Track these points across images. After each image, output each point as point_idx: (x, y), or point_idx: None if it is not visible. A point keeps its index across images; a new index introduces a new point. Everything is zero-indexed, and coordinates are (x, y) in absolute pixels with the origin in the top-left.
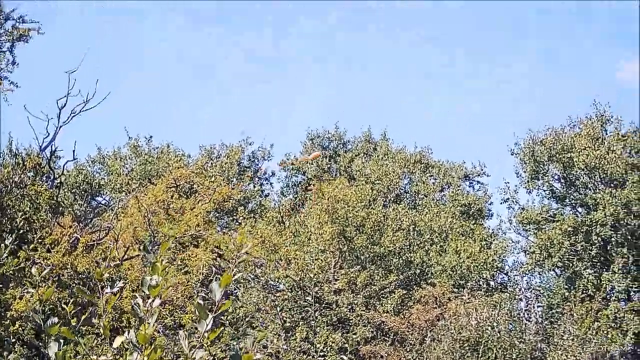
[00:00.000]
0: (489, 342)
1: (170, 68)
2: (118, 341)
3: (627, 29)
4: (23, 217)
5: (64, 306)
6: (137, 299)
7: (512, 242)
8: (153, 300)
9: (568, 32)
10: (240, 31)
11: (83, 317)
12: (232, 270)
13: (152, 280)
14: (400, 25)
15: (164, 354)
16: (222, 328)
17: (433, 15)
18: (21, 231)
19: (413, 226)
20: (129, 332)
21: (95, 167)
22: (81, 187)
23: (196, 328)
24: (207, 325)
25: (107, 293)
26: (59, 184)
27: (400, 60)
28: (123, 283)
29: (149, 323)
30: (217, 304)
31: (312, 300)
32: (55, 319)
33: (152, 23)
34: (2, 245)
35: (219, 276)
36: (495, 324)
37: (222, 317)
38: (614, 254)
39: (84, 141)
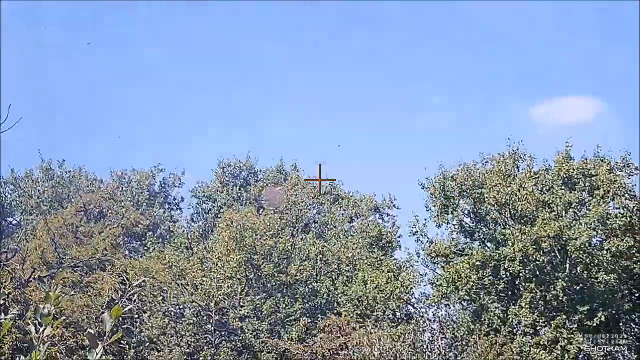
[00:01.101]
0: None
1: (83, 93)
2: None
3: (542, 69)
4: None
5: None
6: (30, 326)
7: (420, 274)
8: (45, 328)
9: (483, 69)
10: (150, 58)
11: None
12: (123, 300)
13: (44, 308)
14: (312, 54)
15: None
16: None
17: (343, 45)
18: None
19: (320, 256)
20: (19, 358)
21: (7, 187)
22: None
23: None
24: (97, 354)
25: (1, 319)
26: None
27: (313, 90)
28: (26, 308)
29: (39, 350)
30: (107, 334)
31: (213, 327)
32: None
33: (64, 49)
34: None
35: (125, 300)
36: (397, 355)
37: (122, 342)
38: (521, 289)
39: None
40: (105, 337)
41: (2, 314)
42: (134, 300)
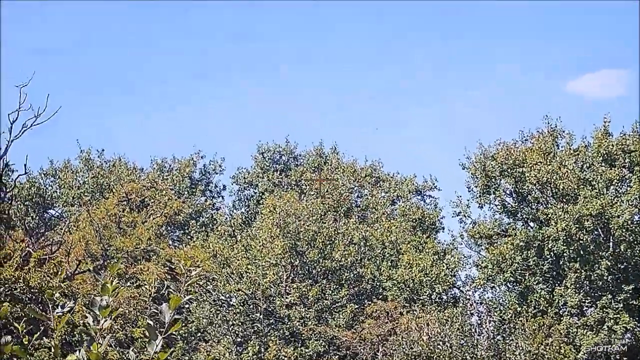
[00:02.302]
0: (441, 357)
1: (121, 82)
2: None
3: (580, 42)
4: None
5: (16, 324)
6: (88, 318)
7: (464, 256)
8: (104, 321)
9: (518, 46)
10: (188, 47)
11: (35, 335)
12: (182, 291)
13: (102, 300)
14: (350, 40)
15: None
16: (171, 350)
17: (380, 28)
18: None
19: (364, 241)
20: (79, 350)
21: (48, 179)
22: (33, 200)
23: (146, 348)
24: (157, 346)
25: (58, 313)
26: (10, 198)
27: (351, 74)
28: (74, 302)
29: (100, 343)
30: (166, 325)
31: (261, 316)
32: (9, 337)
33: (102, 38)
34: None
35: (171, 290)
36: (446, 339)
37: (173, 333)
38: (566, 269)
39: (37, 153)
40: (164, 329)
41: (59, 307)
42: (190, 292)
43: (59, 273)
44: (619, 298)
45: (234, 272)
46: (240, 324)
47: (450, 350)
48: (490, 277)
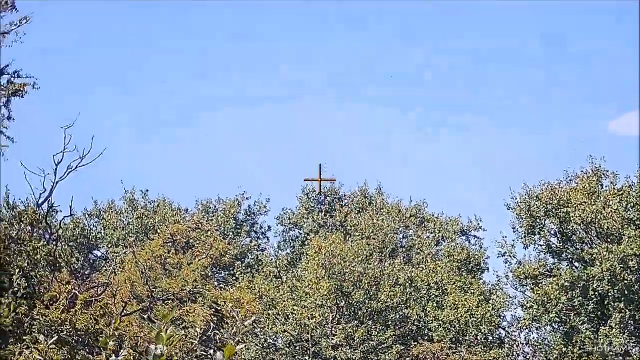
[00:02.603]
0: None
1: (165, 121)
2: None
3: (620, 81)
4: (21, 273)
5: None
6: None
7: (510, 297)
8: None
9: (560, 82)
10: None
11: None
12: (234, 337)
13: (157, 349)
14: (391, 79)
15: None
16: None
17: (424, 68)
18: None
19: (410, 282)
20: None
21: (92, 220)
22: (78, 241)
23: None
24: None
25: None
26: (56, 239)
27: (396, 114)
28: (122, 347)
29: None
30: None
31: (309, 358)
32: None
33: (146, 75)
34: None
35: (223, 337)
36: None
37: None
38: (611, 309)
39: (80, 194)
40: None
41: (114, 355)
42: (242, 338)
43: (114, 321)
44: None
45: (280, 313)
46: None
47: None
48: (536, 318)
